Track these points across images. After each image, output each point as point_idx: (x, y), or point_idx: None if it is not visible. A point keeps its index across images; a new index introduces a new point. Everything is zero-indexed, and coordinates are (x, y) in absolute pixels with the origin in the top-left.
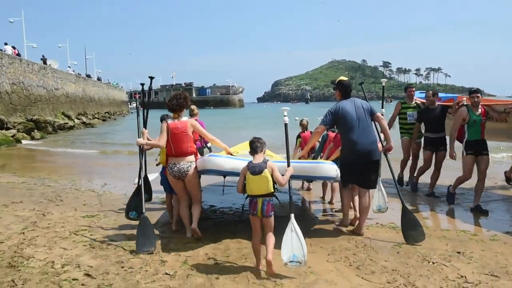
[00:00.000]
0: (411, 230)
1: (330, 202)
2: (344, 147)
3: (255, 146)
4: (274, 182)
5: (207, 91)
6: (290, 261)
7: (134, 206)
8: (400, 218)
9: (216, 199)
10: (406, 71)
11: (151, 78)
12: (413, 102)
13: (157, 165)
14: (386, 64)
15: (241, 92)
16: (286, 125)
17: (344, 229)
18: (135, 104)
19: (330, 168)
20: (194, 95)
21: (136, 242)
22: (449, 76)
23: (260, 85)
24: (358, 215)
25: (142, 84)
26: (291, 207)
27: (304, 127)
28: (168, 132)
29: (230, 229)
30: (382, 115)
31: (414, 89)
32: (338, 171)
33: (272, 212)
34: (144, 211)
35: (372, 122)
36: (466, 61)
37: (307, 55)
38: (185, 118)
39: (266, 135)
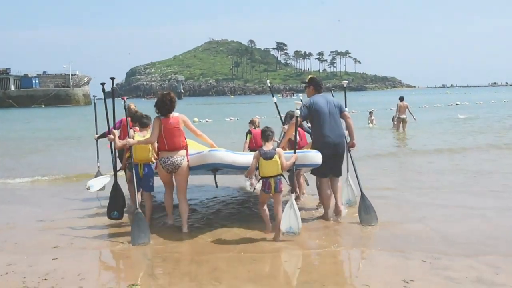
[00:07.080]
0: (366, 214)
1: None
2: (316, 140)
3: (268, 135)
4: None
5: (33, 81)
6: (287, 231)
7: (115, 205)
8: (358, 202)
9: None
10: (306, 56)
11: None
12: None
13: (128, 163)
14: (280, 47)
15: (87, 83)
16: (296, 117)
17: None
18: None
19: (316, 156)
20: (12, 87)
21: (131, 235)
22: (359, 62)
23: (108, 74)
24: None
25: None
26: (293, 187)
27: (254, 124)
28: (161, 127)
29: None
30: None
31: None
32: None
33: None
34: (137, 207)
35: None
36: (378, 44)
37: (175, 32)
38: (176, 113)
39: None
